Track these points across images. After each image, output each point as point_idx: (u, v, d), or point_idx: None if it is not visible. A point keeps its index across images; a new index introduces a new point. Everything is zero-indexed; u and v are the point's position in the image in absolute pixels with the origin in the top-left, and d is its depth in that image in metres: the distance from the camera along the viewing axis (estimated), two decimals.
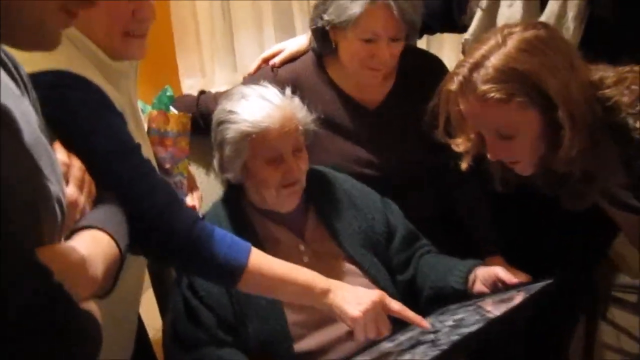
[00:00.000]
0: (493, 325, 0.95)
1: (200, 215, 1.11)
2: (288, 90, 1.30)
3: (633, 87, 1.05)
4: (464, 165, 1.20)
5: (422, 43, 1.71)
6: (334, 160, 1.43)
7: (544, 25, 1.14)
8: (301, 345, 1.20)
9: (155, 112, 1.29)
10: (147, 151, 1.06)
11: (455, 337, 0.95)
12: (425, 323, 1.04)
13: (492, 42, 1.07)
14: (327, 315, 1.16)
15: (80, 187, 0.76)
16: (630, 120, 1.03)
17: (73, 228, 0.73)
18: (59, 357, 0.55)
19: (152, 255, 0.99)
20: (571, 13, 1.23)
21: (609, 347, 1.94)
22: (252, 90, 1.27)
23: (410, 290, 1.31)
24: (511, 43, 1.05)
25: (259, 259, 1.00)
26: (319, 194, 1.34)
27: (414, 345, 1.01)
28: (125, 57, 0.99)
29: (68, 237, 0.71)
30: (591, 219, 1.19)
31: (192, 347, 1.19)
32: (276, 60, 1.50)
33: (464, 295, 1.21)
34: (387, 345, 1.08)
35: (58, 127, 0.77)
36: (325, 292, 1.03)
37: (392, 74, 1.46)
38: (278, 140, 1.22)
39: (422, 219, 1.40)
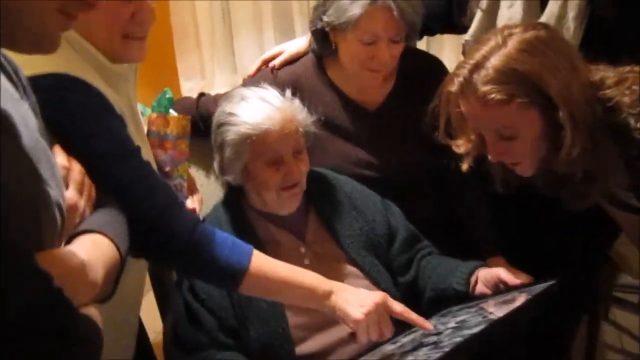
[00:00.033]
0: (496, 327, 0.94)
1: (201, 218, 1.11)
2: (288, 92, 1.29)
3: (634, 87, 1.05)
4: (464, 167, 1.20)
5: (422, 44, 1.71)
6: (334, 162, 1.43)
7: (544, 25, 1.14)
8: (302, 348, 1.19)
9: (154, 115, 1.29)
10: (146, 154, 1.06)
11: (457, 339, 0.95)
12: (429, 325, 1.04)
13: (492, 43, 1.07)
14: (329, 318, 1.16)
15: (80, 191, 0.76)
16: (631, 121, 1.03)
17: (73, 232, 0.72)
18: None
19: (153, 257, 0.99)
20: (571, 13, 1.23)
21: (610, 347, 1.94)
22: (252, 92, 1.27)
23: (411, 292, 1.31)
24: (511, 44, 1.05)
25: (260, 262, 0.99)
26: (320, 196, 1.34)
27: (416, 347, 1.01)
28: (125, 60, 0.99)
29: (68, 241, 0.71)
30: (592, 220, 1.19)
31: (193, 350, 1.19)
32: (276, 62, 1.50)
33: (465, 297, 1.21)
34: (389, 348, 1.07)
35: (57, 130, 0.77)
36: (327, 294, 1.03)
37: (392, 75, 1.46)
38: (278, 142, 1.22)
39: (423, 220, 1.40)
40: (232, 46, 2.47)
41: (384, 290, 1.19)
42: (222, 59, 2.47)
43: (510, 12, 1.29)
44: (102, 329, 0.63)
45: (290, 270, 1.03)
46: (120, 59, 0.97)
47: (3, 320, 0.49)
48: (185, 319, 1.21)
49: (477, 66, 1.06)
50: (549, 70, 1.03)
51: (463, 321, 1.06)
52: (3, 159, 0.54)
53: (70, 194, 0.74)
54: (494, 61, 1.04)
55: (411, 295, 1.29)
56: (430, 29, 1.50)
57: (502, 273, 1.17)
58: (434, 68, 1.48)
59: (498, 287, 1.18)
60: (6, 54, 0.65)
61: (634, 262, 1.69)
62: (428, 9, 1.39)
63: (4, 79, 0.61)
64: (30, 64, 0.73)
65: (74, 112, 0.86)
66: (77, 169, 0.78)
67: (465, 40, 1.36)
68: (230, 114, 1.24)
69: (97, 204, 0.80)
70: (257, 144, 1.21)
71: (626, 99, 1.04)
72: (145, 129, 1.25)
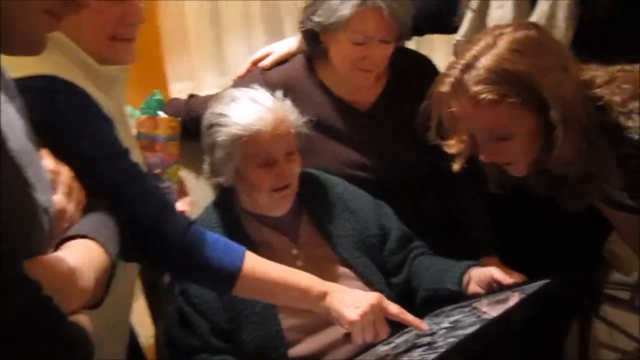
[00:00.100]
0: (491, 326, 0.94)
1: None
2: (279, 93, 1.29)
3: (624, 86, 1.05)
4: (456, 167, 1.20)
5: (411, 44, 1.70)
6: (326, 163, 1.42)
7: (535, 25, 1.14)
8: (296, 350, 1.19)
9: (144, 117, 1.27)
10: (136, 156, 1.05)
11: (452, 339, 0.94)
12: (425, 325, 1.03)
13: (483, 43, 1.07)
14: (322, 320, 1.15)
15: (69, 195, 0.74)
16: (622, 120, 1.03)
17: (62, 237, 0.71)
18: None
19: (145, 261, 0.97)
20: (561, 13, 1.23)
21: (602, 344, 1.95)
22: (243, 93, 1.26)
23: (404, 292, 1.31)
24: (502, 44, 1.05)
25: (253, 263, 0.99)
26: (312, 197, 1.33)
27: (410, 348, 1.01)
28: (113, 62, 0.97)
29: (57, 247, 0.70)
30: (586, 219, 1.19)
31: (186, 354, 1.18)
32: (266, 62, 1.49)
33: (459, 297, 1.21)
34: (382, 349, 1.07)
35: (45, 133, 0.75)
36: (322, 295, 1.02)
37: (384, 76, 1.46)
38: (270, 143, 1.21)
39: (416, 220, 1.39)
40: (221, 48, 2.45)
41: (377, 291, 1.19)
42: (211, 60, 2.45)
43: (501, 12, 1.29)
44: (92, 336, 0.62)
45: (284, 271, 1.02)
46: (108, 60, 0.96)
47: None
48: (177, 323, 1.20)
49: (468, 66, 1.06)
50: (540, 70, 1.03)
51: (457, 321, 1.06)
52: None
53: (59, 199, 0.72)
54: (485, 61, 1.04)
55: (404, 296, 1.29)
56: (420, 30, 1.50)
57: (495, 272, 1.18)
58: (425, 68, 1.48)
59: (491, 286, 1.18)
60: None
61: (625, 260, 1.70)
62: (418, 10, 1.38)
63: None
64: (16, 66, 0.71)
65: (62, 115, 0.85)
66: (65, 172, 0.76)
67: (457, 41, 1.36)
68: (221, 114, 1.23)
69: (86, 209, 0.79)
70: (248, 145, 1.20)
71: (617, 98, 1.04)
72: (135, 131, 1.24)
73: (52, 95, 0.85)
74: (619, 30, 1.20)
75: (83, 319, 0.63)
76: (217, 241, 0.97)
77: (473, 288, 1.20)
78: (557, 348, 1.58)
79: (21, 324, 0.50)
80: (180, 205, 1.29)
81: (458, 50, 1.32)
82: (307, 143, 1.32)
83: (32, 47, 0.59)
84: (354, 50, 1.34)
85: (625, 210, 1.14)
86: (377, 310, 1.01)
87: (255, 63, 1.52)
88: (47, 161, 0.75)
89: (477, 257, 1.32)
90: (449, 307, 1.19)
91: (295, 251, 1.27)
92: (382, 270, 1.31)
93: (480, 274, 1.20)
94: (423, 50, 1.73)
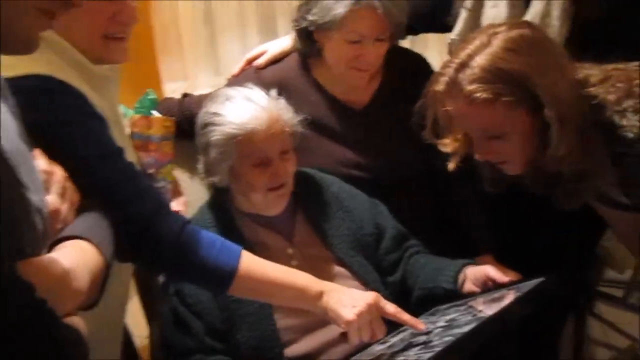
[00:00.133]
0: (487, 325, 0.94)
1: None
2: (274, 92, 1.28)
3: (618, 84, 1.05)
4: (451, 166, 1.20)
5: (405, 43, 1.71)
6: (321, 162, 1.42)
7: (529, 24, 1.15)
8: (292, 350, 1.19)
9: (137, 117, 1.27)
10: (130, 156, 1.04)
11: (448, 338, 0.94)
12: (422, 325, 1.03)
13: (477, 42, 1.07)
14: (318, 319, 1.15)
15: (62, 196, 0.74)
16: (616, 118, 1.03)
17: (56, 238, 0.70)
18: None
19: (140, 261, 0.96)
20: (555, 12, 1.23)
21: (596, 341, 1.96)
22: (237, 92, 1.26)
23: (400, 291, 1.31)
24: (496, 43, 1.05)
25: (250, 262, 0.98)
26: (307, 197, 1.33)
27: (406, 347, 1.00)
28: (106, 61, 0.97)
29: (51, 248, 0.69)
30: (581, 217, 1.19)
31: (181, 355, 1.17)
32: (260, 61, 1.49)
33: (454, 295, 1.21)
34: (378, 348, 1.07)
35: (39, 133, 0.74)
36: (319, 295, 1.02)
37: (378, 74, 1.45)
38: (265, 142, 1.21)
39: (412, 219, 1.39)
40: (215, 47, 2.45)
41: (372, 290, 1.19)
42: (204, 60, 2.44)
43: (495, 11, 1.29)
44: (87, 338, 0.61)
45: (280, 270, 1.02)
46: (102, 60, 0.96)
47: None
48: (172, 324, 1.20)
49: (463, 65, 1.06)
50: (535, 69, 1.03)
51: (452, 320, 1.06)
52: None
53: (52, 199, 0.71)
54: (480, 60, 1.04)
55: (400, 295, 1.29)
56: (414, 29, 1.50)
57: (490, 271, 1.18)
58: (420, 66, 1.48)
59: (487, 285, 1.18)
60: None
61: (619, 258, 1.71)
62: (413, 9, 1.38)
63: None
64: (9, 66, 0.70)
65: (55, 114, 0.84)
66: (58, 173, 0.75)
67: (452, 40, 1.36)
68: (215, 114, 1.23)
69: (80, 209, 0.78)
70: (243, 144, 1.20)
71: (611, 97, 1.04)
72: (128, 131, 1.23)
73: (45, 94, 0.84)
74: (613, 29, 1.20)
75: (77, 321, 0.62)
76: (214, 241, 0.97)
77: (468, 287, 1.20)
78: (552, 346, 1.58)
79: (15, 326, 0.50)
80: (175, 205, 1.28)
81: (453, 49, 1.32)
82: (302, 142, 1.32)
83: (25, 46, 0.59)
84: (349, 49, 1.34)
85: (620, 209, 1.14)
86: (373, 309, 1.01)
87: (249, 62, 1.51)
88: (41, 161, 0.74)
89: (472, 255, 1.32)
90: (445, 306, 1.19)
91: (290, 251, 1.27)
92: (377, 269, 1.31)
93: (475, 273, 1.20)
94: (417, 49, 1.73)
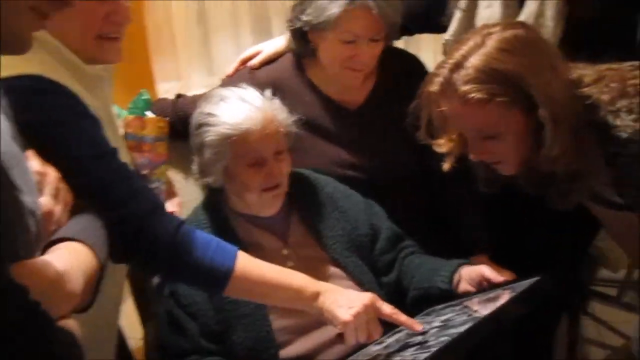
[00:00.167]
0: (483, 325, 0.94)
1: None
2: (268, 92, 1.28)
3: (612, 84, 1.06)
4: (446, 166, 1.20)
5: (399, 43, 1.71)
6: (315, 162, 1.42)
7: (523, 24, 1.15)
8: (287, 351, 1.18)
9: (131, 117, 1.26)
10: (124, 157, 1.03)
11: (443, 338, 0.94)
12: (419, 326, 1.03)
13: (471, 43, 1.07)
14: (313, 320, 1.15)
15: (56, 197, 0.73)
16: (610, 118, 1.04)
17: (49, 240, 0.70)
18: None
19: (136, 262, 0.96)
20: (549, 12, 1.24)
21: (590, 341, 1.97)
22: (232, 92, 1.25)
23: (395, 291, 1.31)
24: (490, 43, 1.05)
25: (246, 263, 0.98)
26: (302, 197, 1.32)
27: (402, 347, 1.00)
28: (100, 61, 0.96)
29: (45, 250, 0.69)
30: (575, 217, 1.20)
31: (176, 356, 1.17)
32: (254, 61, 1.49)
33: (449, 295, 1.21)
34: (374, 349, 1.07)
35: (31, 134, 0.74)
36: (315, 296, 1.01)
37: (373, 75, 1.45)
38: (259, 142, 1.20)
39: (407, 219, 1.39)
40: (209, 47, 2.44)
41: (367, 290, 1.19)
42: (198, 60, 2.44)
43: (489, 11, 1.30)
44: (82, 341, 0.61)
45: (276, 271, 1.02)
46: (95, 60, 0.95)
47: None
48: (167, 326, 1.19)
49: (457, 66, 1.06)
50: (529, 69, 1.03)
51: (448, 320, 1.06)
52: None
53: (45, 201, 0.71)
54: (474, 61, 1.04)
55: (395, 295, 1.29)
56: (409, 29, 1.50)
57: (485, 271, 1.18)
58: (414, 67, 1.48)
59: (482, 284, 1.18)
60: None
61: (613, 257, 1.72)
62: (407, 9, 1.38)
63: None
64: (1, 66, 0.70)
65: (48, 115, 0.84)
66: (51, 174, 0.75)
67: (446, 40, 1.36)
68: (210, 114, 1.22)
69: (74, 211, 0.77)
70: (237, 144, 1.19)
71: (605, 97, 1.05)
72: (122, 131, 1.22)
73: (37, 95, 0.83)
74: (606, 29, 1.21)
75: (72, 324, 0.61)
76: (210, 241, 0.97)
77: (463, 287, 1.20)
78: (547, 345, 1.59)
79: (9, 329, 0.49)
80: (169, 206, 1.28)
81: (447, 50, 1.32)
82: (297, 143, 1.32)
83: (18, 46, 0.58)
84: (343, 49, 1.34)
85: (614, 208, 1.15)
86: (370, 310, 1.00)
87: (243, 62, 1.51)
88: (33, 162, 0.73)
89: (467, 255, 1.32)
90: (440, 306, 1.19)
91: (285, 251, 1.27)
92: (372, 269, 1.31)
93: (470, 272, 1.20)
94: (411, 50, 1.74)
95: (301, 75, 1.46)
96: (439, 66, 1.10)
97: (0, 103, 0.67)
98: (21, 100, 0.72)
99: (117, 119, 1.20)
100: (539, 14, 1.25)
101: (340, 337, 1.02)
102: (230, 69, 1.54)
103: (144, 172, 1.26)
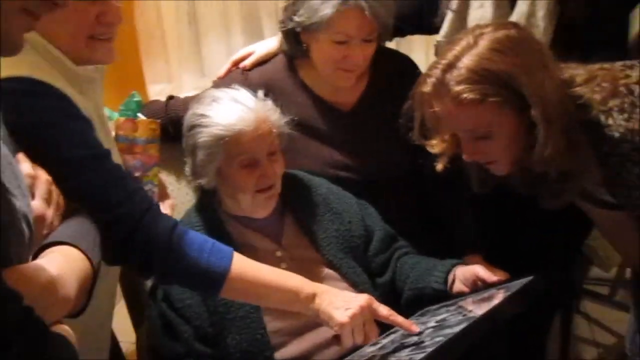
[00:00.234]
0: (478, 325, 0.94)
1: None
2: (261, 93, 1.27)
3: (603, 84, 1.06)
4: (439, 167, 1.20)
5: (391, 44, 1.71)
6: (309, 164, 1.41)
7: (515, 25, 1.15)
8: (282, 353, 1.18)
9: (122, 119, 1.25)
10: (116, 159, 1.03)
11: (439, 338, 0.94)
12: (416, 327, 1.02)
13: (463, 43, 1.07)
14: (308, 322, 1.15)
15: (48, 201, 0.72)
16: (602, 118, 1.04)
17: (42, 244, 0.69)
18: None
19: (130, 263, 0.94)
20: (540, 12, 1.24)
21: (582, 339, 1.98)
22: (224, 93, 1.25)
23: (390, 292, 1.31)
24: (483, 43, 1.06)
25: (242, 264, 0.97)
26: (295, 199, 1.32)
27: (398, 348, 1.00)
28: (92, 62, 0.96)
29: (37, 254, 0.68)
30: (567, 217, 1.20)
31: None
32: (246, 63, 1.48)
33: (444, 296, 1.21)
34: (369, 350, 1.06)
35: (23, 136, 0.73)
36: (311, 297, 1.01)
37: (365, 75, 1.45)
38: (252, 143, 1.20)
39: (401, 220, 1.39)
40: (200, 49, 2.43)
41: (362, 292, 1.18)
42: (189, 61, 2.43)
43: (481, 12, 1.30)
44: (76, 347, 0.60)
45: (272, 272, 1.01)
46: (87, 61, 0.94)
47: None
48: (160, 329, 1.18)
49: (450, 66, 1.06)
50: (521, 69, 1.03)
51: (443, 320, 1.06)
52: None
53: (37, 204, 0.70)
54: (466, 61, 1.05)
55: (389, 296, 1.29)
56: (401, 30, 1.50)
57: (479, 271, 1.18)
58: (407, 67, 1.48)
59: (476, 284, 1.18)
60: None
61: (605, 256, 1.73)
62: (400, 10, 1.38)
63: None
64: None
65: (39, 117, 0.83)
66: (43, 177, 0.74)
67: (438, 41, 1.37)
68: (202, 115, 1.21)
69: (66, 214, 0.76)
70: (230, 145, 1.19)
71: (596, 96, 1.05)
72: (113, 133, 1.21)
73: (28, 97, 0.82)
74: (597, 29, 1.22)
75: (66, 330, 0.61)
76: (205, 242, 0.96)
77: (458, 287, 1.20)
78: (540, 345, 1.59)
79: (2, 336, 0.48)
80: (161, 209, 1.26)
81: (439, 51, 1.33)
82: (290, 144, 1.31)
83: (9, 48, 0.58)
84: (336, 49, 1.34)
85: (606, 207, 1.15)
86: (366, 312, 1.00)
87: (235, 63, 1.50)
88: (25, 165, 0.72)
89: (460, 255, 1.32)
90: (435, 307, 1.19)
91: (279, 253, 1.26)
92: (366, 270, 1.31)
93: (464, 272, 1.20)
94: (402, 50, 1.74)
95: (294, 76, 1.45)
96: (432, 67, 1.10)
97: None
98: (12, 103, 0.71)
99: (108, 121, 1.19)
100: (531, 14, 1.26)
101: (336, 339, 1.01)
102: (221, 70, 1.53)
103: (136, 174, 1.25)
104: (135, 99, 1.29)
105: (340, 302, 1.00)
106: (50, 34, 0.89)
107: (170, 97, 1.54)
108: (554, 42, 1.23)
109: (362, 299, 1.02)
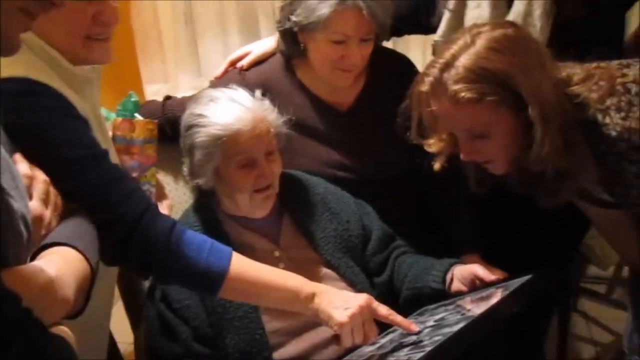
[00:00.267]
0: (478, 323, 0.94)
1: None
2: (258, 93, 1.27)
3: (601, 83, 1.06)
4: (436, 166, 1.20)
5: (387, 43, 1.71)
6: (306, 163, 1.41)
7: (512, 24, 1.15)
8: (280, 354, 1.18)
9: (120, 120, 1.24)
10: (113, 160, 1.02)
11: (437, 338, 0.94)
12: (415, 327, 1.02)
13: (461, 42, 1.07)
14: (306, 322, 1.15)
15: (45, 201, 0.72)
16: (599, 116, 1.04)
17: (40, 245, 0.69)
18: None
19: (129, 264, 0.94)
20: (537, 12, 1.25)
21: (580, 338, 1.98)
22: (222, 93, 1.24)
23: (388, 291, 1.31)
24: (480, 42, 1.06)
25: (241, 264, 0.97)
26: (293, 199, 1.32)
27: (396, 347, 1.00)
28: (89, 62, 0.95)
29: (35, 255, 0.67)
30: (565, 216, 1.20)
31: None
32: (244, 62, 1.48)
33: (442, 295, 1.21)
34: (368, 349, 1.06)
35: (19, 137, 0.73)
36: (310, 297, 1.01)
37: (363, 75, 1.45)
38: (250, 143, 1.20)
39: (398, 219, 1.39)
40: (196, 49, 2.43)
41: (360, 291, 1.18)
42: (186, 62, 2.43)
43: (478, 11, 1.30)
44: (75, 348, 0.60)
45: (271, 272, 1.01)
46: (84, 61, 0.94)
47: None
48: (158, 330, 1.18)
49: (447, 65, 1.06)
50: (519, 69, 1.04)
51: (441, 319, 1.06)
52: None
53: (35, 205, 0.70)
54: (464, 60, 1.05)
55: (387, 295, 1.29)
56: (398, 30, 1.50)
57: (477, 270, 1.18)
58: (404, 67, 1.48)
59: (474, 283, 1.19)
60: None
61: (602, 255, 1.73)
62: (397, 10, 1.38)
63: None
64: None
65: (36, 117, 0.83)
66: (41, 177, 0.74)
67: (435, 41, 1.37)
68: (200, 115, 1.21)
69: (64, 215, 0.76)
70: (228, 145, 1.19)
71: (594, 95, 1.05)
72: (110, 134, 1.21)
73: (25, 97, 0.82)
74: (593, 29, 1.22)
75: (65, 331, 0.60)
76: (204, 242, 0.96)
77: (456, 286, 1.20)
78: (538, 343, 1.60)
79: (1, 338, 0.48)
80: (160, 209, 1.26)
81: (437, 51, 1.33)
82: (287, 144, 1.31)
83: (6, 48, 0.57)
84: (333, 49, 1.33)
85: (603, 206, 1.16)
86: (366, 311, 1.00)
87: (232, 63, 1.50)
88: (22, 166, 0.72)
89: (458, 255, 1.32)
90: (433, 306, 1.19)
91: (277, 253, 1.26)
92: (364, 270, 1.31)
93: (463, 272, 1.20)
94: (399, 50, 1.74)
95: (291, 76, 1.45)
96: (429, 66, 1.10)
97: None
98: (8, 103, 0.71)
99: (106, 121, 1.18)
100: (527, 13, 1.26)
101: (336, 339, 1.01)
102: (219, 70, 1.53)
103: (134, 174, 1.24)
104: (133, 99, 1.29)
105: (340, 302, 1.00)
106: (47, 34, 0.89)
107: (168, 97, 1.53)
108: (550, 41, 1.23)
109: (362, 298, 1.02)
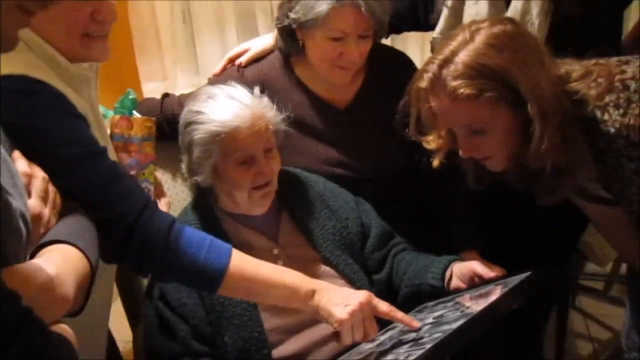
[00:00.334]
0: (477, 320, 0.94)
1: None
2: (257, 90, 1.27)
3: (599, 79, 1.06)
4: (435, 163, 1.20)
5: (385, 40, 1.71)
6: (305, 161, 1.41)
7: (511, 20, 1.15)
8: (279, 351, 1.18)
9: (118, 117, 1.24)
10: (111, 157, 1.02)
11: (437, 334, 0.94)
12: (416, 323, 1.02)
13: (460, 39, 1.07)
14: (305, 320, 1.15)
15: (44, 199, 0.72)
16: (598, 113, 1.04)
17: (39, 243, 0.68)
18: None
19: (128, 261, 0.94)
20: (535, 10, 1.25)
21: (578, 334, 1.99)
22: (220, 90, 1.24)
23: (387, 289, 1.31)
24: (479, 39, 1.06)
25: (240, 261, 0.97)
26: (291, 196, 1.32)
27: (396, 344, 1.00)
28: (87, 59, 0.95)
29: (34, 253, 0.67)
30: (563, 213, 1.20)
31: (167, 359, 1.15)
32: (242, 59, 1.48)
33: (441, 292, 1.21)
34: (367, 347, 1.06)
35: (18, 135, 0.72)
36: (310, 294, 1.00)
37: (361, 72, 1.45)
38: (248, 140, 1.19)
39: (397, 216, 1.39)
40: (194, 47, 2.43)
41: (359, 288, 1.18)
42: (184, 59, 2.42)
43: (476, 9, 1.30)
44: (76, 347, 0.60)
45: (271, 269, 1.01)
46: (82, 58, 0.94)
47: None
48: (157, 328, 1.18)
49: (446, 61, 1.06)
50: (517, 65, 1.04)
51: (441, 316, 1.06)
52: None
53: (34, 203, 0.70)
54: (463, 56, 1.05)
55: (386, 293, 1.29)
56: (397, 27, 1.50)
57: (476, 267, 1.18)
58: (402, 64, 1.48)
59: (473, 280, 1.19)
60: None
61: (600, 252, 1.74)
62: (395, 7, 1.38)
63: None
64: None
65: (35, 115, 0.82)
66: (39, 175, 0.73)
67: (434, 38, 1.37)
68: (198, 112, 1.21)
69: (63, 212, 0.76)
70: (226, 142, 1.18)
71: (592, 92, 1.05)
72: (108, 131, 1.21)
73: (23, 95, 0.82)
74: (591, 27, 1.22)
75: (65, 329, 0.60)
76: (203, 239, 0.96)
77: (455, 283, 1.21)
78: (537, 340, 1.60)
79: (1, 337, 0.48)
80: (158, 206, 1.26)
81: (435, 48, 1.32)
82: (286, 141, 1.31)
83: (4, 44, 0.57)
84: (331, 46, 1.33)
85: (602, 203, 1.16)
86: (366, 308, 0.99)
87: (231, 61, 1.50)
88: (20, 164, 0.72)
89: (457, 252, 1.32)
90: (432, 303, 1.19)
91: (276, 251, 1.26)
92: (363, 267, 1.31)
93: (462, 269, 1.20)
94: (397, 47, 1.75)
95: (289, 73, 1.45)
96: (428, 62, 1.10)
97: None
98: (7, 101, 0.71)
99: (104, 119, 1.18)
100: (525, 11, 1.26)
101: (336, 336, 1.01)
102: (217, 67, 1.52)
103: (132, 172, 1.24)
104: (131, 97, 1.29)
105: (340, 299, 1.00)
106: (45, 31, 0.88)
107: (166, 95, 1.53)
108: (548, 39, 1.23)
109: (362, 295, 1.02)
